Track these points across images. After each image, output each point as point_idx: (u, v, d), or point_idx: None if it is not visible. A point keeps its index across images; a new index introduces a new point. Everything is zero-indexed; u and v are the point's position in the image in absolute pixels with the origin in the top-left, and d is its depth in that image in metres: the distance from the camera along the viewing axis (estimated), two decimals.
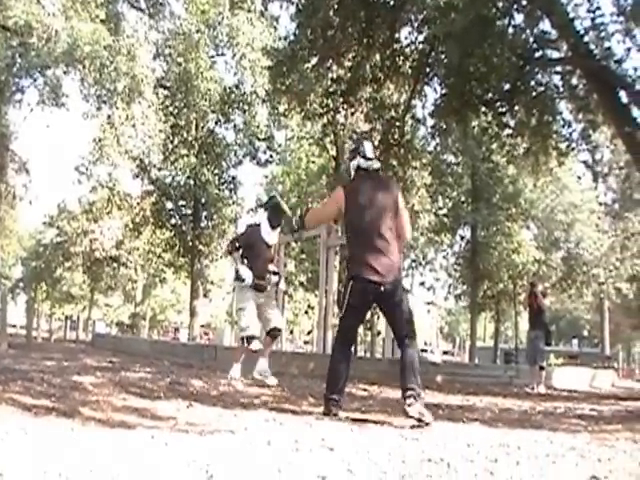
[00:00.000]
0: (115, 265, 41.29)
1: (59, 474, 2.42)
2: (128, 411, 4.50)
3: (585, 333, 62.69)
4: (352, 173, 5.18)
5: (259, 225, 7.64)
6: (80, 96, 27.83)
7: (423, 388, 4.71)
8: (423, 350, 48.51)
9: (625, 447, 3.85)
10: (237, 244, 7.50)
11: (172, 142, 30.52)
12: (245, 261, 7.40)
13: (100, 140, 29.87)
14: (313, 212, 5.72)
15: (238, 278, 7.36)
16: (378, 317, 33.25)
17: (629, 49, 13.46)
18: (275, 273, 7.83)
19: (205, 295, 37.48)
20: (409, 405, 4.46)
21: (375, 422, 4.67)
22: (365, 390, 8.10)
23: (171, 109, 30.32)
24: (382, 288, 4.73)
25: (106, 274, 43.35)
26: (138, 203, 33.07)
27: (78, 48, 24.51)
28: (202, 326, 43.70)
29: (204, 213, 32.02)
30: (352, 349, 5.15)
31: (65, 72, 27.07)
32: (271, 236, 7.58)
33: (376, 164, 5.21)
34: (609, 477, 2.81)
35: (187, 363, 12.50)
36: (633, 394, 11.60)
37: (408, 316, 4.95)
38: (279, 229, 7.75)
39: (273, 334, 7.46)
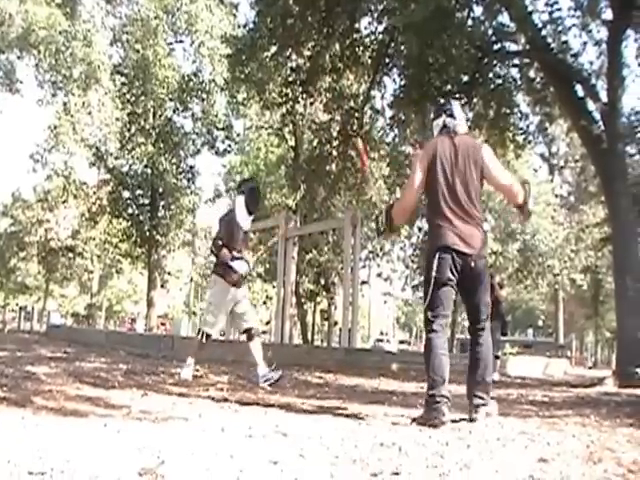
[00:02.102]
0: (71, 255, 40.76)
1: (7, 461, 2.38)
2: (81, 400, 4.45)
3: (540, 323, 63.73)
4: (435, 132, 4.57)
5: (233, 211, 7.00)
6: (35, 82, 27.42)
7: (488, 383, 4.30)
8: (379, 340, 49.03)
9: (574, 431, 3.93)
10: (221, 242, 6.75)
11: (129, 130, 30.17)
12: (235, 253, 6.73)
13: (55, 127, 29.35)
14: (399, 202, 4.63)
15: (216, 273, 6.81)
16: (335, 307, 33.45)
17: (585, 43, 13.72)
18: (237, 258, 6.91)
19: (162, 286, 37.19)
20: (476, 412, 4.12)
21: (329, 408, 4.69)
22: (321, 378, 8.14)
23: (128, 96, 29.98)
24: (472, 263, 4.18)
25: (61, 264, 42.77)
26: (94, 192, 32.72)
27: (33, 33, 24.12)
28: (159, 317, 43.41)
29: (161, 203, 31.81)
30: (447, 335, 4.39)
31: (19, 57, 26.65)
32: (247, 222, 6.96)
33: (464, 127, 4.59)
34: (556, 459, 2.86)
35: (144, 353, 12.41)
36: (584, 381, 11.84)
37: (488, 298, 4.41)
38: (253, 215, 7.15)
39: (249, 335, 6.82)
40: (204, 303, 7.14)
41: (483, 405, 4.19)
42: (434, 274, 4.20)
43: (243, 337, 7.13)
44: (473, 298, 4.37)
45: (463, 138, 4.47)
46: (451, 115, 4.51)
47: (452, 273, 4.20)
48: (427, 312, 4.30)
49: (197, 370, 7.30)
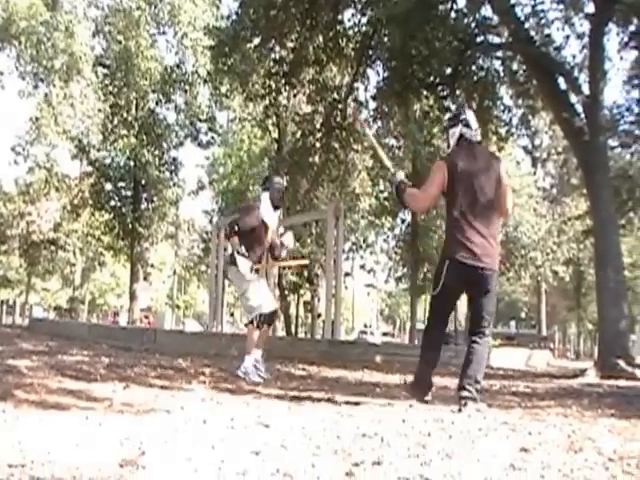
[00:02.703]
0: (53, 248, 40.47)
1: None
2: (63, 393, 4.42)
3: (523, 315, 64.10)
4: (451, 142, 4.76)
5: (257, 205, 6.89)
6: (16, 73, 27.21)
7: (478, 381, 4.49)
8: (363, 332, 49.10)
9: (555, 421, 3.96)
10: (236, 228, 6.66)
11: (111, 122, 30.01)
12: (243, 248, 6.63)
13: (37, 119, 29.18)
14: (414, 196, 4.92)
15: (234, 264, 6.69)
16: (319, 299, 33.50)
17: (568, 37, 13.78)
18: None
19: (145, 278, 37.12)
20: (464, 405, 4.28)
21: (312, 400, 4.69)
22: (304, 370, 8.13)
23: (110, 88, 29.81)
24: (481, 272, 4.44)
25: (44, 257, 42.44)
26: (76, 184, 32.57)
27: (14, 23, 23.96)
28: (142, 310, 43.24)
29: (144, 195, 31.72)
30: (444, 333, 4.83)
31: (0, 48, 26.36)
32: (272, 218, 6.83)
33: (478, 136, 4.85)
34: (538, 449, 2.88)
35: (126, 346, 12.36)
36: (567, 372, 11.90)
37: (493, 308, 4.70)
38: (280, 211, 7.10)
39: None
40: (241, 297, 6.88)
41: (472, 400, 4.33)
42: (443, 279, 4.52)
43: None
44: (478, 306, 4.61)
45: (482, 149, 4.83)
46: (467, 125, 4.69)
47: (459, 283, 4.55)
48: (432, 312, 4.81)
49: (180, 363, 7.28)
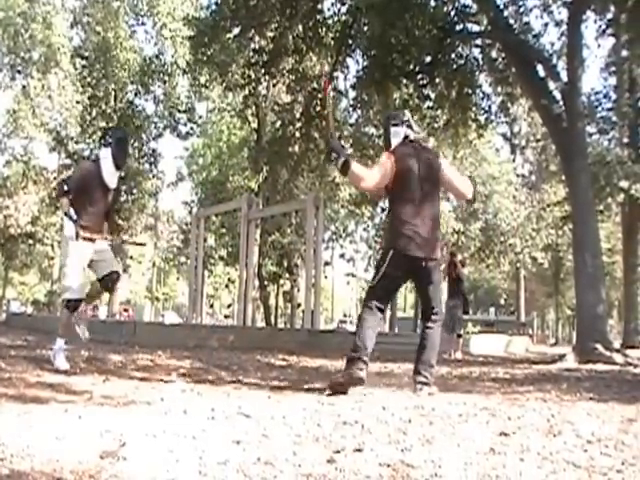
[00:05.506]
0: (31, 242, 40.06)
1: None
2: (42, 387, 4.39)
3: (502, 301, 64.51)
4: (394, 141, 4.93)
5: (97, 162, 5.89)
6: None
7: (432, 366, 4.68)
8: (342, 321, 49.25)
9: (535, 406, 3.99)
10: (67, 187, 5.68)
11: (90, 114, 29.79)
12: (72, 211, 5.68)
13: (14, 112, 28.90)
14: (360, 175, 4.71)
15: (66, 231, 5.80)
16: (298, 289, 33.55)
17: (546, 24, 13.88)
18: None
19: (124, 271, 36.86)
20: (419, 390, 4.49)
21: (293, 389, 4.70)
22: (284, 360, 8.13)
23: (89, 79, 29.55)
24: (423, 264, 4.62)
25: (21, 251, 42.01)
26: (55, 177, 32.25)
27: None
28: (121, 303, 43.01)
29: (123, 187, 31.49)
30: (382, 317, 4.83)
31: None
32: (114, 177, 5.94)
33: (419, 135, 5.20)
34: (517, 433, 2.90)
35: (106, 339, 12.30)
36: (545, 358, 12.01)
37: (440, 295, 4.90)
38: (121, 171, 6.12)
39: (109, 279, 6.01)
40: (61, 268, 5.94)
41: (426, 385, 4.55)
42: (385, 268, 4.65)
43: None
44: (425, 294, 4.82)
45: (423, 148, 5.03)
46: (410, 127, 5.02)
47: (402, 272, 4.71)
48: (370, 295, 4.80)
49: (159, 355, 7.26)
